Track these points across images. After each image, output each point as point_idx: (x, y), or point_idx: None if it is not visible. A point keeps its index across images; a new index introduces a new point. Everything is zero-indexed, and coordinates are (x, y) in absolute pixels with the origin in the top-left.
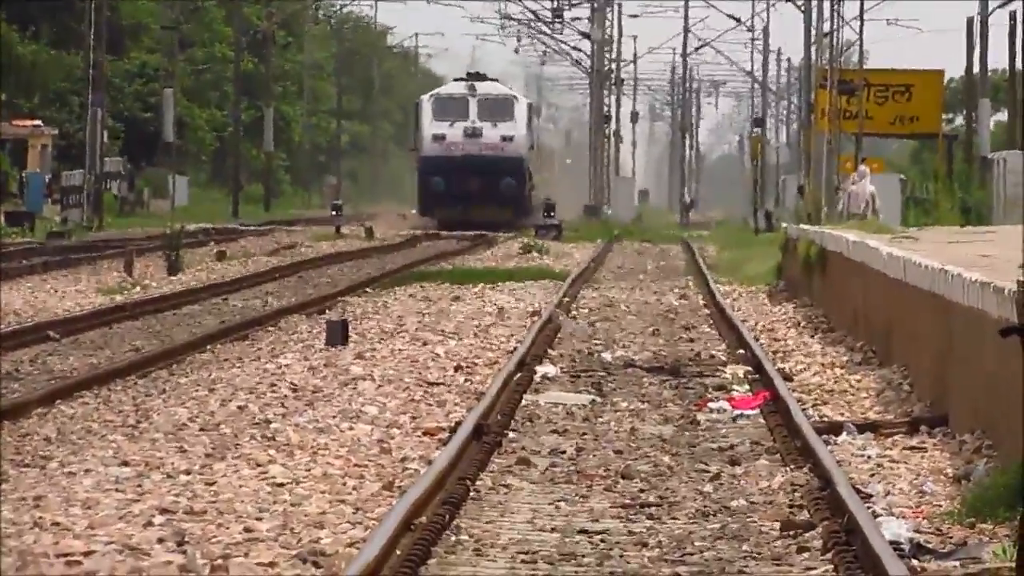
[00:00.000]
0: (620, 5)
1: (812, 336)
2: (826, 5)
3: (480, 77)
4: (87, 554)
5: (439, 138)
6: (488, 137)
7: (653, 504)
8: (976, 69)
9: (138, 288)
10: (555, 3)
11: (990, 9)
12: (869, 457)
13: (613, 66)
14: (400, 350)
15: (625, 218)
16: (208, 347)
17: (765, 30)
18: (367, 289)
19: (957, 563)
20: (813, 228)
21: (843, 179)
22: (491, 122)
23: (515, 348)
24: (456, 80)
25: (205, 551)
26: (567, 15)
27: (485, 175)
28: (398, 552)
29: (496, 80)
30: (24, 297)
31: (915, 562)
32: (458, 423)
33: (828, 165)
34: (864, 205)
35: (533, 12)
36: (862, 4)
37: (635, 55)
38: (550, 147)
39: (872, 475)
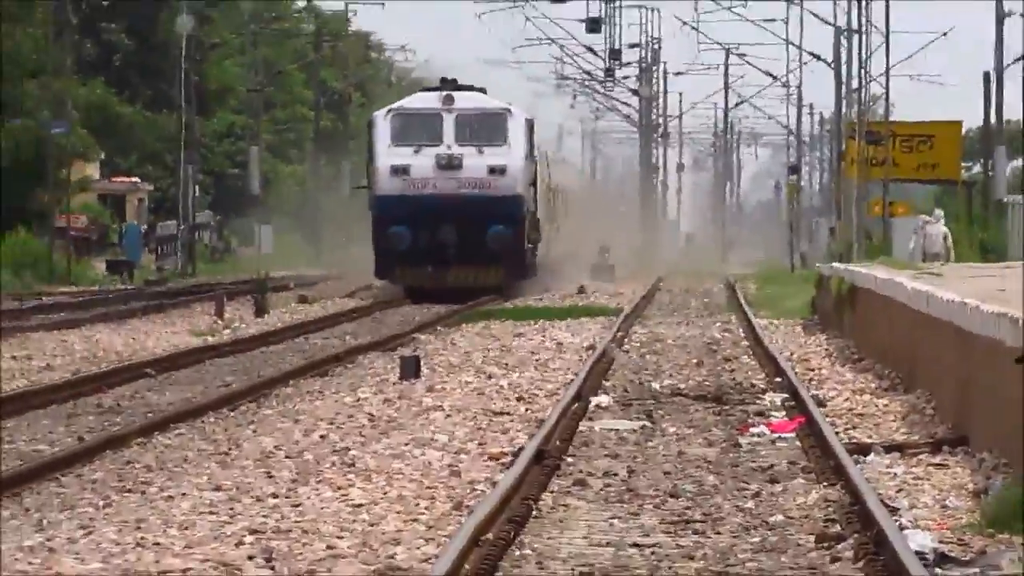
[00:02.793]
0: (665, 64)
1: (843, 365)
2: (855, 63)
3: (458, 86)
4: (185, 571)
5: (400, 171)
6: (470, 169)
7: (699, 520)
8: (993, 119)
9: (227, 329)
10: (607, 63)
11: (1005, 64)
12: (896, 475)
13: (660, 120)
14: (467, 382)
15: (670, 258)
16: (292, 382)
17: (799, 87)
18: (438, 327)
19: (978, 570)
20: (843, 266)
21: (889, 222)
22: (475, 147)
23: (572, 380)
24: (424, 90)
25: (291, 567)
26: (618, 74)
27: (466, 222)
28: (467, 566)
29: (482, 90)
30: (123, 339)
31: (938, 570)
32: (520, 448)
33: (857, 209)
34: (940, 245)
35: (587, 72)
36: (887, 62)
37: (680, 110)
38: (585, 189)
39: (899, 491)
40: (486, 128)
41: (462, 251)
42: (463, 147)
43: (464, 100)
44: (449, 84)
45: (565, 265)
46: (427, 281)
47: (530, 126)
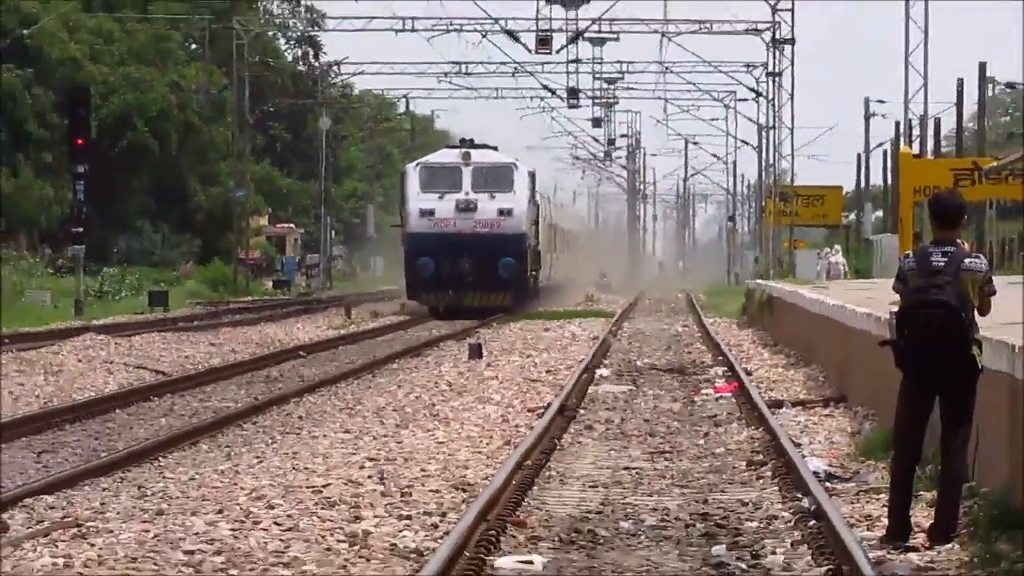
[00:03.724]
0: (644, 148)
1: (763, 348)
2: (771, 148)
3: (475, 145)
4: (325, 486)
5: (427, 213)
6: (483, 211)
7: (668, 451)
8: (862, 185)
9: (353, 325)
10: (605, 148)
11: (871, 148)
12: (799, 421)
13: (641, 186)
14: (513, 360)
15: (648, 279)
16: (396, 361)
17: (734, 163)
18: (493, 324)
19: (854, 484)
20: (764, 282)
21: (788, 253)
22: (487, 193)
23: (583, 359)
24: (448, 147)
25: (397, 484)
26: (613, 155)
27: (480, 255)
28: (514, 482)
29: (495, 148)
30: (283, 331)
31: (828, 484)
32: (549, 404)
33: (773, 244)
34: (839, 271)
35: (592, 154)
36: (792, 147)
37: (654, 179)
38: (589, 232)
39: (801, 432)
40: (496, 178)
41: (477, 278)
42: (478, 193)
43: (479, 155)
44: (467, 143)
45: (565, 286)
46: (448, 302)
47: (532, 177)
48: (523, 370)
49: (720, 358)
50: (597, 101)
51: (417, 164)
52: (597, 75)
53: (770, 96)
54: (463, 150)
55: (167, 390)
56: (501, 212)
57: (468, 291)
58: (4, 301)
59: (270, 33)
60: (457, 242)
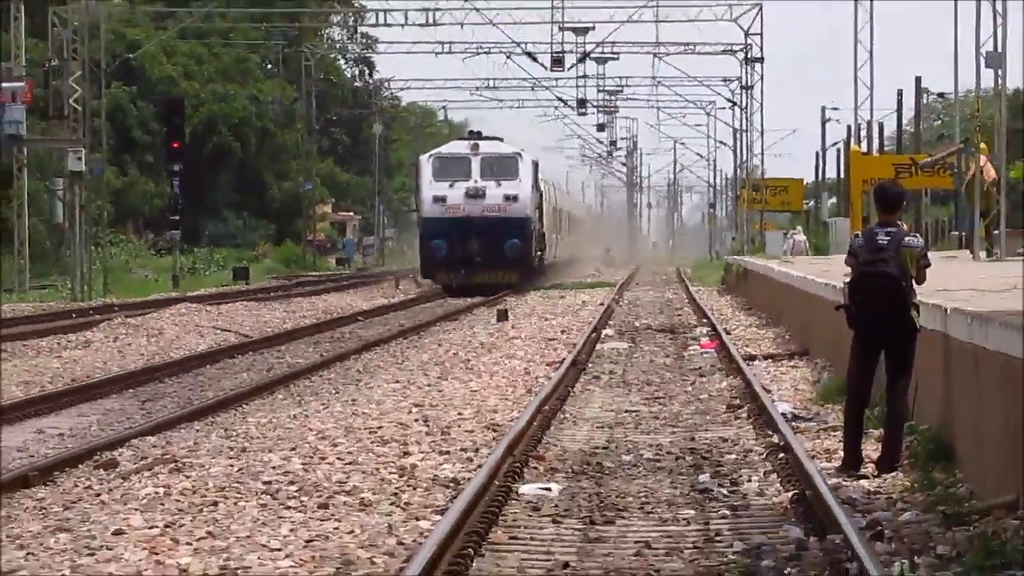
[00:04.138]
0: (641, 148)
1: (740, 312)
2: (744, 148)
3: (483, 136)
4: (379, 428)
5: (439, 199)
6: (491, 197)
7: (662, 397)
8: (819, 177)
9: (401, 294)
10: (608, 148)
11: (827, 146)
12: (770, 372)
13: (637, 179)
14: (534, 323)
15: (644, 256)
16: (437, 324)
17: (714, 160)
18: (512, 295)
19: (814, 423)
20: (740, 258)
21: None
22: (494, 181)
23: (591, 321)
24: (458, 139)
25: (438, 425)
26: (615, 154)
27: (488, 237)
28: (535, 423)
29: (500, 139)
30: (344, 301)
31: (793, 423)
32: (564, 359)
33: (747, 226)
34: (801, 248)
35: (598, 153)
36: (763, 146)
37: (649, 173)
38: (595, 217)
39: (771, 381)
40: (502, 167)
41: (485, 258)
42: (486, 181)
43: (487, 146)
44: (476, 135)
45: (574, 263)
46: (459, 280)
47: (535, 166)
48: (542, 331)
49: (704, 320)
50: (601, 110)
51: (430, 155)
52: (601, 88)
53: (743, 105)
54: (472, 141)
55: (248, 349)
56: (507, 198)
57: (477, 270)
58: (114, 277)
59: (332, 56)
60: (467, 226)
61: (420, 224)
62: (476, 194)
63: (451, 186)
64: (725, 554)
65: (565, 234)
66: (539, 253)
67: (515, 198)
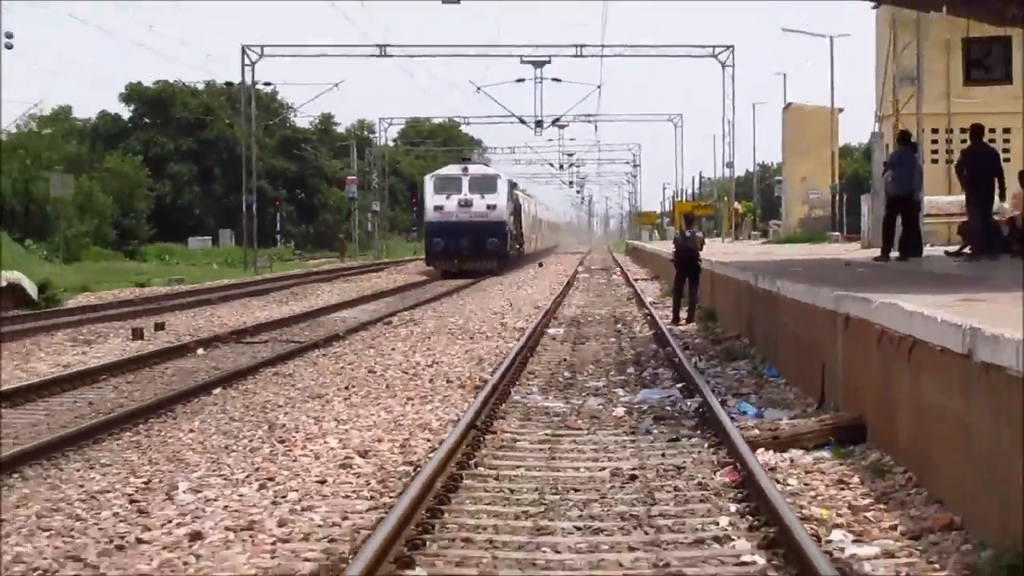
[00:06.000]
0: (591, 193)
1: (633, 264)
2: (637, 195)
3: (471, 161)
4: (494, 309)
5: (439, 208)
6: (477, 206)
7: (602, 295)
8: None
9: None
10: (577, 190)
11: (668, 196)
12: (643, 286)
13: (589, 205)
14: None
15: (595, 242)
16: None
17: (629, 196)
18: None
19: (661, 305)
20: (633, 241)
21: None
22: (479, 194)
23: (575, 269)
24: (453, 164)
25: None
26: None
27: (474, 236)
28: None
29: (486, 164)
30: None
31: (652, 305)
32: (564, 282)
33: (636, 228)
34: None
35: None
36: (640, 193)
37: (596, 201)
38: (561, 221)
39: (642, 291)
40: (485, 184)
41: (472, 251)
42: (473, 195)
43: (474, 169)
44: (467, 160)
45: (550, 252)
46: (453, 267)
47: (511, 184)
48: (556, 275)
49: (618, 267)
50: (568, 166)
51: (432, 175)
52: (562, 151)
53: (636, 175)
54: (463, 165)
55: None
56: (488, 207)
57: (466, 260)
58: (389, 247)
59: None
60: (458, 228)
61: (425, 226)
62: (466, 204)
63: (447, 198)
64: (627, 353)
65: (544, 233)
66: (517, 247)
67: (494, 207)
